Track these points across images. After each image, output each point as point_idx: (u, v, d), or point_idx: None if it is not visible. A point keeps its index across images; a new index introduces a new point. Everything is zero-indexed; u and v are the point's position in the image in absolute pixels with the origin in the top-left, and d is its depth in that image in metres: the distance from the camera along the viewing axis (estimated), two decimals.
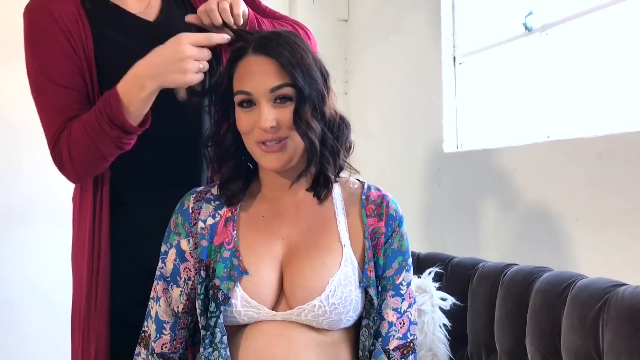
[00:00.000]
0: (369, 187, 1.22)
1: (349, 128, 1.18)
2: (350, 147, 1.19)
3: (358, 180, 1.24)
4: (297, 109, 1.09)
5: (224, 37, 1.18)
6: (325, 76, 1.15)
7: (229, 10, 1.19)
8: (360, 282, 1.14)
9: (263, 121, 1.08)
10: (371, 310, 1.15)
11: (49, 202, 3.08)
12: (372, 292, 1.14)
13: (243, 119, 1.12)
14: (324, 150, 1.13)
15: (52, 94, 1.23)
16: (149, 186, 1.33)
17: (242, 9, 1.22)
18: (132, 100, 1.17)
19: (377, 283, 1.16)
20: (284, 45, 1.11)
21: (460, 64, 2.45)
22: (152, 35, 1.28)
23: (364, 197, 1.20)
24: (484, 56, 2.34)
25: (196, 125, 1.34)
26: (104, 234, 1.29)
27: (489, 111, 2.34)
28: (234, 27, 1.21)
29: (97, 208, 1.29)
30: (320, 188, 1.17)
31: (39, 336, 3.10)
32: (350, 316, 1.13)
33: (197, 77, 1.16)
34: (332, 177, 1.17)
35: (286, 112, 1.10)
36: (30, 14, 1.26)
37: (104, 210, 1.29)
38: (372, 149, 2.87)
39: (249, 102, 1.11)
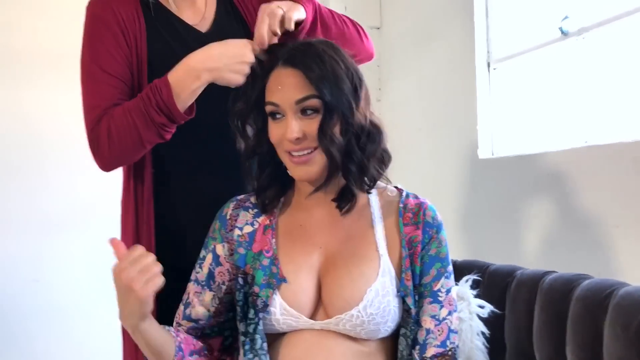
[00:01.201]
0: (407, 195, 1.21)
1: (382, 138, 1.17)
2: (384, 157, 1.19)
3: (396, 188, 1.24)
4: (322, 122, 1.10)
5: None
6: (356, 86, 1.15)
7: (276, 28, 1.22)
8: (397, 292, 1.14)
9: (289, 132, 1.10)
10: (409, 319, 1.15)
11: (98, 209, 3.15)
12: (409, 301, 1.14)
13: (273, 129, 1.14)
14: (349, 163, 1.13)
15: (101, 81, 1.28)
16: (192, 179, 1.37)
17: (295, 19, 1.24)
18: (184, 90, 1.20)
19: (415, 291, 1.15)
20: (313, 56, 1.12)
21: (494, 69, 2.43)
22: (204, 45, 1.31)
23: (401, 205, 1.19)
24: (519, 61, 2.32)
25: None
26: (149, 229, 1.33)
27: (525, 116, 2.31)
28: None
29: (140, 205, 1.34)
30: (344, 201, 1.17)
31: (88, 343, 3.16)
32: (388, 326, 1.13)
33: (243, 81, 1.21)
34: (357, 190, 1.16)
35: (312, 124, 1.11)
36: (92, 7, 1.34)
37: (148, 206, 1.33)
38: (405, 156, 2.86)
39: (278, 114, 1.13)
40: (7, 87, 2.98)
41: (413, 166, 2.82)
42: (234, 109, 1.21)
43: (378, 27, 3.21)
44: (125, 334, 1.39)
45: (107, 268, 2.99)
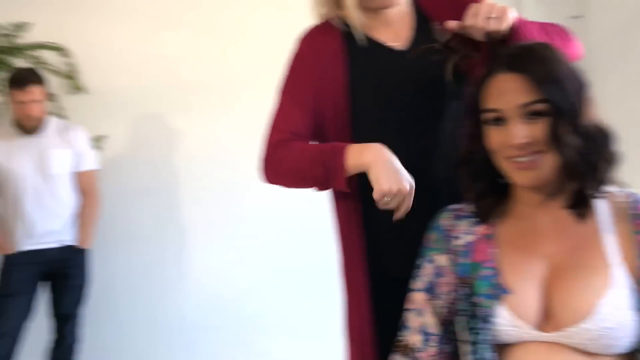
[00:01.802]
0: (638, 200, 1.12)
1: (610, 139, 1.11)
2: (614, 159, 1.11)
3: (627, 192, 1.15)
4: (551, 125, 1.06)
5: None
6: (581, 86, 1.11)
7: (490, 27, 1.20)
8: (636, 305, 1.05)
9: (515, 138, 1.07)
10: None
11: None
12: None
13: (493, 136, 1.12)
14: (581, 165, 1.08)
15: (291, 110, 1.40)
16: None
17: (507, 22, 1.22)
18: (357, 168, 1.28)
19: None
20: (535, 60, 1.09)
21: None
22: (402, 64, 1.37)
23: (633, 211, 1.11)
24: None
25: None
26: (357, 242, 1.39)
27: None
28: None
29: (351, 218, 1.40)
30: (580, 206, 1.11)
31: (290, 343, 3.33)
32: (625, 341, 1.05)
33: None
34: (592, 193, 1.10)
35: (538, 128, 1.07)
36: (299, 42, 1.46)
37: (356, 220, 1.39)
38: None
39: (499, 119, 1.10)
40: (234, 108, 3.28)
41: (632, 166, 2.60)
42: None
43: (580, 16, 3.01)
44: (350, 342, 1.44)
45: (307, 281, 3.08)
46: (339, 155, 1.28)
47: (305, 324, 3.30)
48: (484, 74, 1.15)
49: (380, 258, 1.38)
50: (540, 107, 1.07)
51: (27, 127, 2.82)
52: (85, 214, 2.90)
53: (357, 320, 1.39)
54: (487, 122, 1.13)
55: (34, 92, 2.78)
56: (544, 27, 1.35)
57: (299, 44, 1.45)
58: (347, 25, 1.41)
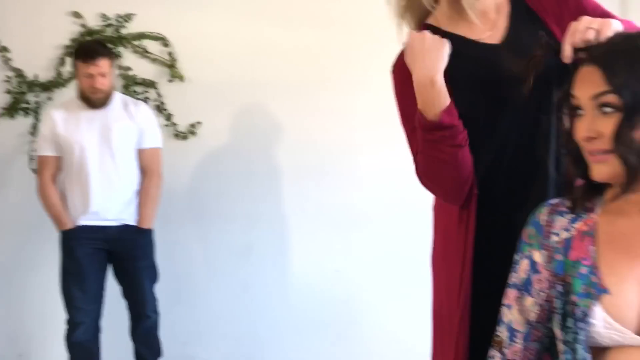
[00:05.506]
0: None
1: None
2: None
3: None
4: (619, 123, 1.02)
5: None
6: None
7: (591, 39, 1.16)
8: None
9: (580, 131, 1.06)
10: None
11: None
12: None
13: (575, 126, 1.10)
14: None
15: (412, 135, 1.41)
16: (505, 195, 1.39)
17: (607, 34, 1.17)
18: (422, 100, 1.32)
19: None
20: (616, 52, 1.06)
21: None
22: (500, 58, 1.33)
23: None
24: None
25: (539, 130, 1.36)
26: (469, 243, 1.37)
27: None
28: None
29: (464, 217, 1.38)
30: None
31: (382, 331, 3.33)
32: None
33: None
34: None
35: (609, 124, 1.03)
36: (394, 72, 1.47)
37: (470, 220, 1.38)
38: None
39: (579, 109, 1.08)
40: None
41: None
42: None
43: None
44: (434, 321, 1.44)
45: (408, 262, 3.06)
46: (418, 112, 1.32)
47: (395, 308, 3.30)
48: (575, 63, 1.13)
49: (486, 253, 1.38)
50: (610, 99, 1.03)
51: (93, 100, 2.73)
52: (146, 193, 2.79)
53: (454, 311, 1.38)
54: (572, 109, 1.11)
55: (103, 65, 2.70)
56: None
57: (397, 72, 1.44)
58: (433, 27, 1.39)
